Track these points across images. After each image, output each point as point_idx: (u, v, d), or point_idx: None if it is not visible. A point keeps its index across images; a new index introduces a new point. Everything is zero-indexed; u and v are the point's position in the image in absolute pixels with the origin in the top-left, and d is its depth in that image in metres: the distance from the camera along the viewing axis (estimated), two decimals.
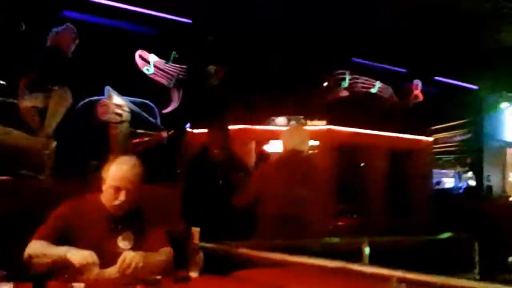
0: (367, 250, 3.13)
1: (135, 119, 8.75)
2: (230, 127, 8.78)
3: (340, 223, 8.67)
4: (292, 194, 4.31)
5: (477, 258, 4.27)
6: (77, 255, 2.64)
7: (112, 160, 3.00)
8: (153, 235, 2.99)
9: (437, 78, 13.14)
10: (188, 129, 9.55)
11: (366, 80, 11.53)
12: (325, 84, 11.13)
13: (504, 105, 13.96)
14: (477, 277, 4.26)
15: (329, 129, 8.94)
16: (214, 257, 2.92)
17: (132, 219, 2.97)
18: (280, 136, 4.64)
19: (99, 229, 2.89)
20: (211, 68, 9.90)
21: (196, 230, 2.86)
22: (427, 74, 12.62)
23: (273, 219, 4.28)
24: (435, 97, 12.69)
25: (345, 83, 11.10)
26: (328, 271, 2.42)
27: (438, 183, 13.24)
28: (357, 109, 10.30)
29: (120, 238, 2.85)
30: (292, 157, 4.42)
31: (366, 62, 11.66)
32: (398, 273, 1.85)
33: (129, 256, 2.66)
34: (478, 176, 13.54)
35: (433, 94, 12.73)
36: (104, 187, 2.96)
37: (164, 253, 2.94)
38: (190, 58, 9.54)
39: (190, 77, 9.63)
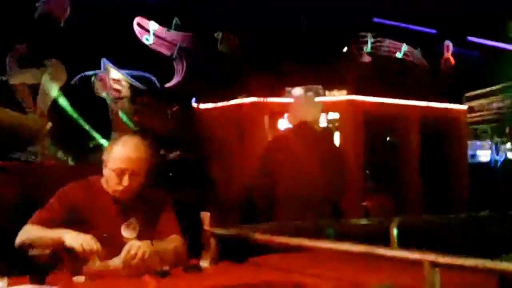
0: (395, 232, 3.13)
1: (136, 95, 8.78)
2: (241, 100, 8.86)
3: (367, 203, 8.70)
4: (303, 172, 4.30)
5: None
6: (76, 239, 2.62)
7: (114, 140, 2.98)
8: (163, 222, 2.99)
9: (470, 38, 12.96)
10: (194, 105, 9.57)
11: (391, 43, 11.42)
12: (346, 49, 11.04)
13: None
14: None
15: (350, 100, 8.87)
16: (232, 243, 2.94)
17: (139, 204, 2.95)
18: (289, 108, 4.61)
19: (104, 216, 2.88)
20: (220, 35, 9.83)
21: (206, 215, 2.86)
22: (459, 35, 12.46)
23: (287, 201, 4.30)
24: (469, 60, 12.54)
25: (368, 48, 10.99)
26: (353, 256, 2.44)
27: (473, 156, 13.14)
28: (382, 76, 10.21)
29: (123, 226, 2.81)
30: (302, 131, 4.41)
31: (391, 22, 11.51)
32: (431, 257, 1.85)
33: (134, 245, 2.65)
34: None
35: (467, 57, 12.58)
36: (105, 171, 2.93)
37: (174, 241, 2.93)
38: (195, 24, 9.48)
39: (196, 46, 9.58)
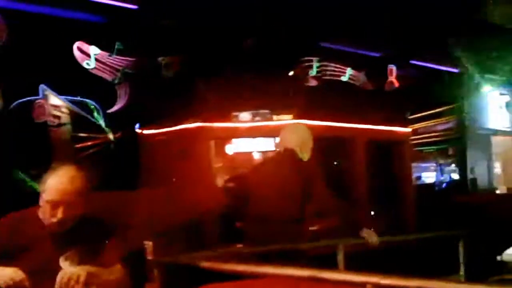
0: (341, 255, 3.19)
1: (77, 122, 8.64)
2: (186, 125, 8.85)
3: (316, 227, 8.76)
4: (271, 197, 4.35)
5: (462, 258, 4.40)
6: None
7: (51, 171, 2.95)
8: (106, 252, 2.95)
9: (413, 62, 13.35)
10: (138, 130, 9.50)
11: (336, 67, 11.65)
12: (291, 73, 11.21)
13: (487, 88, 14.26)
14: (462, 278, 4.39)
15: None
16: (181, 271, 2.92)
17: (80, 233, 2.91)
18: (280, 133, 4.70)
19: (41, 249, 2.83)
20: (164, 59, 9.84)
21: (149, 244, 2.85)
22: (403, 58, 12.82)
23: (254, 222, 4.36)
24: (412, 83, 12.89)
25: (313, 71, 11.19)
26: (302, 279, 2.47)
27: (419, 177, 13.47)
28: (328, 99, 10.39)
29: (62, 258, 2.77)
30: (282, 157, 4.53)
31: (336, 46, 11.77)
32: (374, 279, 1.90)
33: (67, 273, 2.62)
34: (462, 169, 13.83)
35: (410, 80, 12.93)
36: (41, 202, 2.90)
37: (117, 272, 2.90)
38: (138, 49, 9.46)
39: (139, 70, 9.54)
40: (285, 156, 4.51)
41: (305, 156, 4.56)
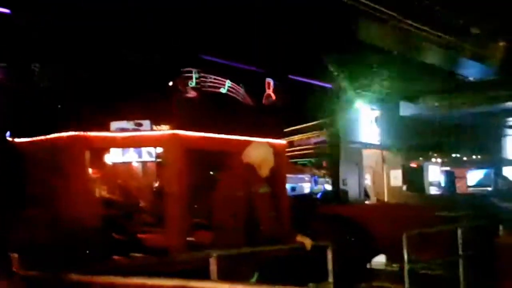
0: (214, 265, 3.23)
1: None
2: (59, 134, 8.56)
3: (194, 238, 8.76)
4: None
5: (330, 266, 4.59)
6: None
7: None
8: None
9: (291, 76, 13.74)
10: (9, 139, 9.08)
11: (216, 79, 11.75)
12: (171, 83, 11.17)
13: (359, 104, 14.93)
14: (331, 286, 4.58)
15: (173, 134, 8.93)
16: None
17: None
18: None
19: None
20: (37, 66, 9.47)
21: (14, 257, 2.75)
22: (280, 73, 13.16)
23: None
24: (289, 97, 13.25)
25: (193, 82, 11.22)
26: None
27: (294, 189, 13.84)
28: (207, 111, 10.45)
29: None
30: (241, 171, 4.78)
31: (216, 59, 11.89)
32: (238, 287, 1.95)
33: None
34: (335, 180, 14.35)
35: (287, 94, 13.29)
36: None
37: None
38: (10, 56, 9.05)
39: (11, 78, 9.13)
40: (245, 170, 4.73)
41: (263, 173, 4.77)
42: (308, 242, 4.54)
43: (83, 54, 9.49)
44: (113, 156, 11.15)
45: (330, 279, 4.64)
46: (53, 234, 7.38)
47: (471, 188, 18.66)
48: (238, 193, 4.63)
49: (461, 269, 6.17)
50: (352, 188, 14.03)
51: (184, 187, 8.73)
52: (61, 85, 9.33)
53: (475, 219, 6.76)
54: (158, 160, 11.23)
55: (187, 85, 11.16)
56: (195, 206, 9.94)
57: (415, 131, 15.76)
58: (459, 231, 6.19)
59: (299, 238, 4.61)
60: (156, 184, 11.56)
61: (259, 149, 4.89)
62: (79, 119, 8.57)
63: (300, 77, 13.98)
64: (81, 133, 8.41)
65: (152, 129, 9.31)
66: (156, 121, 9.35)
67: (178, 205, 8.60)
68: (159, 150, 10.62)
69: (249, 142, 10.28)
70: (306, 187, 14.64)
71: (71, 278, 2.73)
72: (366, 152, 15.37)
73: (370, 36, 13.13)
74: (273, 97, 12.77)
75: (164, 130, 9.36)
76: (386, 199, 14.55)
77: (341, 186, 13.74)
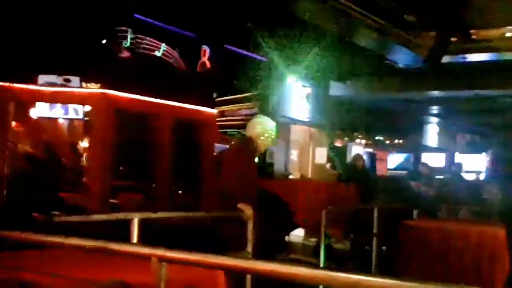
0: (135, 228, 3.21)
1: None
2: None
3: (118, 200, 8.64)
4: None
5: (250, 236, 4.64)
6: None
7: None
8: None
9: (227, 46, 13.65)
10: None
11: (151, 41, 11.55)
12: (104, 41, 10.89)
13: (291, 80, 15.01)
14: (249, 255, 4.63)
15: (102, 93, 8.71)
16: None
17: None
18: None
19: None
20: None
21: None
22: (217, 42, 13.06)
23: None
24: (224, 67, 13.19)
25: (127, 43, 10.98)
26: (91, 251, 2.43)
27: None
28: (139, 73, 10.28)
29: None
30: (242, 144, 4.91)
31: (152, 21, 11.65)
32: (159, 252, 1.94)
33: None
34: (262, 153, 14.46)
35: (222, 64, 13.22)
36: None
37: None
38: None
39: None
40: (244, 142, 4.87)
41: (263, 148, 4.90)
42: (250, 212, 4.57)
43: (13, 3, 9.09)
44: (39, 111, 10.78)
45: (249, 249, 4.69)
46: None
47: (391, 171, 19.29)
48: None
49: (374, 247, 6.39)
50: (278, 162, 14.19)
51: (109, 147, 8.56)
52: None
53: (392, 201, 7.00)
54: (86, 118, 10.98)
55: (121, 45, 10.91)
56: (121, 168, 9.81)
57: (343, 111, 16.02)
58: (375, 211, 6.40)
59: (240, 205, 4.63)
60: (81, 143, 11.32)
61: (264, 125, 4.94)
62: (4, 69, 8.23)
63: (236, 48, 13.92)
64: (6, 84, 8.07)
65: (81, 87, 9.05)
66: (86, 78, 9.10)
67: (101, 165, 8.44)
68: (88, 108, 10.38)
69: (180, 108, 10.25)
70: None
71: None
72: (294, 128, 15.54)
73: (307, 13, 13.15)
74: (208, 65, 12.69)
75: (94, 88, 9.14)
76: (310, 176, 14.80)
77: (268, 159, 13.89)
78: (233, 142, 5.32)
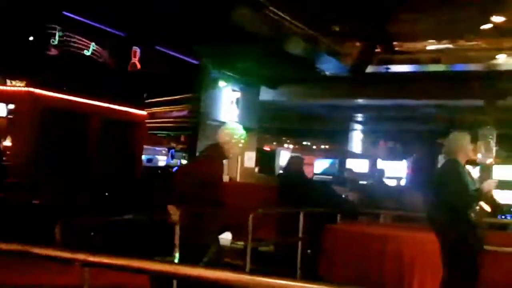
0: (58, 231, 3.11)
1: None
2: None
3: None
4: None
5: (177, 241, 4.61)
6: None
7: None
8: None
9: (158, 48, 13.50)
10: None
11: (80, 40, 11.26)
12: (31, 38, 10.52)
13: (222, 84, 15.03)
14: (176, 260, 4.60)
15: (28, 91, 8.46)
16: None
17: None
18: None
19: None
20: None
21: None
22: (148, 42, 12.89)
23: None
24: (155, 68, 13.02)
25: (55, 40, 10.65)
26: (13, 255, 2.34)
27: (150, 160, 13.68)
28: (68, 71, 10.01)
29: None
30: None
31: (81, 18, 11.36)
32: (81, 256, 1.88)
33: None
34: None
35: (154, 65, 13.05)
36: None
37: None
38: None
39: None
40: (213, 149, 4.96)
41: (230, 154, 4.97)
42: (175, 214, 4.60)
43: None
44: None
45: (176, 254, 4.66)
46: None
47: (317, 176, 19.58)
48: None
49: (299, 250, 6.47)
50: None
51: (33, 146, 8.32)
52: None
53: (317, 206, 7.07)
54: (10, 116, 10.58)
55: (49, 43, 10.57)
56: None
57: (272, 116, 16.15)
58: (301, 215, 6.49)
59: (170, 208, 4.66)
60: (4, 142, 10.91)
61: (233, 133, 5.06)
62: None
63: (168, 50, 13.78)
64: None
65: (5, 84, 8.73)
66: (11, 76, 8.79)
67: (25, 164, 8.18)
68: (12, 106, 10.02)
69: (108, 108, 10.06)
70: (162, 160, 14.50)
71: None
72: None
73: (241, 19, 13.19)
74: (138, 66, 12.49)
75: (19, 86, 8.84)
76: (238, 179, 14.83)
77: None
78: (205, 147, 5.34)
